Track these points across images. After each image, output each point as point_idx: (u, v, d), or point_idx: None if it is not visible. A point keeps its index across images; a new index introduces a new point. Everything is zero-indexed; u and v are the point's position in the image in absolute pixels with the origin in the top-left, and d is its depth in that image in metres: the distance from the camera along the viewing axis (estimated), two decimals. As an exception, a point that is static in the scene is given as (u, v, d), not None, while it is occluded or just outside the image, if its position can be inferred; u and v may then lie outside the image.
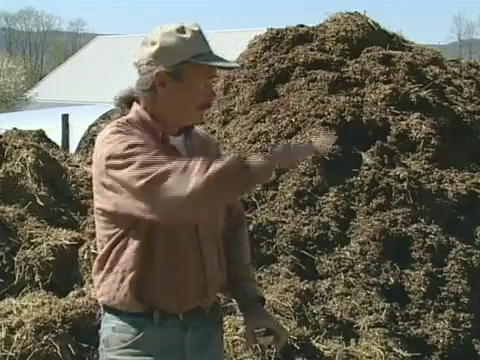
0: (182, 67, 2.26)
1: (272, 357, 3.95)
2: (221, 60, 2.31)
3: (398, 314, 4.61)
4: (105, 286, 2.28)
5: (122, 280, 2.23)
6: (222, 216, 2.45)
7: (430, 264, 4.87)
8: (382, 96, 5.92)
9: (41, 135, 5.92)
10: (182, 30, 2.28)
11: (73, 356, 3.83)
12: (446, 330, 4.55)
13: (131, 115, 2.32)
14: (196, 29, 2.30)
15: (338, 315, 4.47)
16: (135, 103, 2.34)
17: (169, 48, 2.26)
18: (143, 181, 2.07)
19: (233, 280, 2.46)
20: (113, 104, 2.42)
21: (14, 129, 5.81)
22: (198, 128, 2.55)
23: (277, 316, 4.19)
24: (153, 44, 2.27)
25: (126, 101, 2.36)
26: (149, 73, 2.26)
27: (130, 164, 2.11)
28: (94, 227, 4.73)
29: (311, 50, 6.40)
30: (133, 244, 2.22)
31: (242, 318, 2.47)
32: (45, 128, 6.23)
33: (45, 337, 3.80)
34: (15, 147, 5.34)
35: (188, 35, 2.28)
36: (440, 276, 4.85)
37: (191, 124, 2.40)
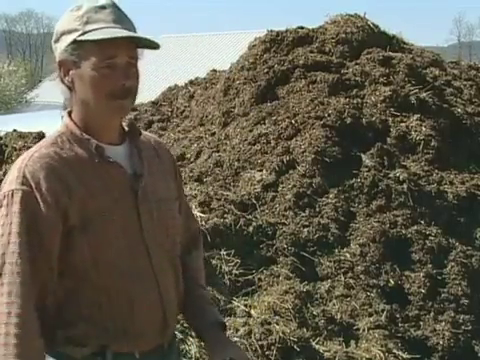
0: (75, 49, 1.93)
1: (272, 359, 3.95)
2: (118, 32, 1.91)
3: (398, 316, 4.60)
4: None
5: None
6: (179, 237, 2.18)
7: (430, 266, 4.87)
8: (382, 98, 5.93)
9: (41, 137, 5.92)
10: (78, 8, 1.97)
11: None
12: (446, 332, 4.55)
13: (61, 129, 2.01)
14: (98, 4, 1.96)
15: (338, 317, 4.47)
16: (68, 113, 2.03)
17: (62, 32, 1.97)
18: None
19: (191, 303, 2.21)
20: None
21: (14, 131, 5.82)
22: (148, 133, 2.26)
23: (277, 318, 4.19)
24: (55, 32, 1.99)
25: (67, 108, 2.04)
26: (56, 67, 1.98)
27: None
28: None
29: (311, 52, 6.41)
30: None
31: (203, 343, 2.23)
32: (45, 130, 6.23)
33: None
34: (15, 149, 5.35)
35: (81, 11, 1.95)
36: (440, 278, 4.84)
37: (117, 124, 2.05)
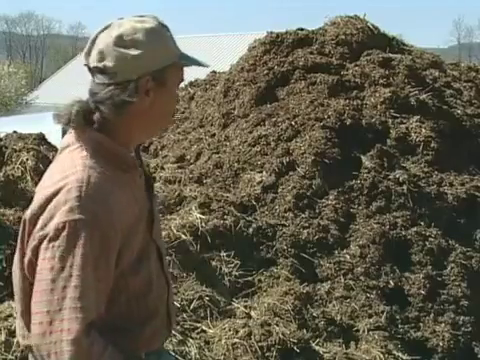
0: (167, 70, 1.97)
1: (272, 360, 3.95)
2: (196, 61, 2.04)
3: (398, 317, 4.61)
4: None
5: None
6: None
7: (430, 267, 4.87)
8: (382, 99, 5.93)
9: (41, 138, 5.93)
10: (165, 27, 2.01)
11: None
12: (446, 333, 4.55)
13: (93, 146, 1.92)
14: (162, 22, 2.02)
15: (338, 318, 4.47)
16: (90, 126, 1.95)
17: (156, 50, 1.95)
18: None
19: None
20: (58, 122, 1.96)
21: (14, 132, 5.82)
22: None
23: (277, 319, 4.20)
24: (134, 45, 1.92)
25: (87, 118, 1.94)
26: (129, 82, 1.91)
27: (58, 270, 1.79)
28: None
29: (311, 53, 6.42)
30: None
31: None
32: (45, 131, 6.23)
33: (45, 340, 3.79)
34: (15, 150, 5.35)
35: (170, 33, 2.01)
36: (440, 279, 4.84)
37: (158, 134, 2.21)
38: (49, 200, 1.84)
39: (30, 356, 2.02)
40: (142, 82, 1.93)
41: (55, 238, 1.80)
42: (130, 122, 1.96)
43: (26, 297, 1.94)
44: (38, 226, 1.84)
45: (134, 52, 1.91)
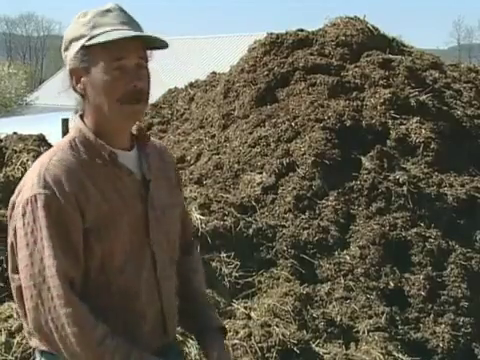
0: (84, 55, 1.92)
1: (272, 361, 3.95)
2: (124, 33, 1.90)
3: (398, 318, 4.61)
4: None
5: None
6: (178, 242, 2.20)
7: (430, 268, 4.87)
8: (382, 100, 5.93)
9: (41, 139, 5.92)
10: (84, 14, 1.96)
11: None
12: (446, 334, 4.55)
13: (74, 133, 2.00)
14: (103, 8, 1.96)
15: (338, 319, 4.47)
16: (79, 117, 2.02)
17: (70, 39, 1.95)
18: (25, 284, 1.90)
19: (192, 307, 2.23)
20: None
21: (14, 133, 5.82)
22: (155, 140, 2.26)
23: (277, 320, 4.20)
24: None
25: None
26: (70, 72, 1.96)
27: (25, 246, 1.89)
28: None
29: (311, 54, 6.42)
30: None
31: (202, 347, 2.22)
32: (45, 132, 6.22)
33: (45, 341, 3.79)
34: (15, 151, 5.35)
35: (87, 17, 1.94)
36: (440, 280, 4.85)
37: (130, 129, 2.05)
38: (21, 184, 1.98)
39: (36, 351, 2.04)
40: (70, 74, 1.96)
41: (23, 214, 1.90)
42: (90, 115, 1.99)
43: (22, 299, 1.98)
44: (14, 209, 1.96)
45: (63, 46, 1.99)
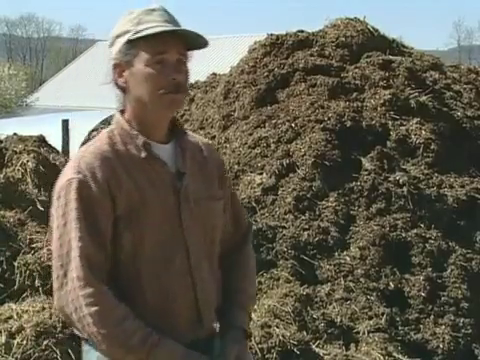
0: (128, 49, 2.04)
1: (272, 362, 3.95)
2: (166, 28, 2.01)
3: (398, 319, 4.61)
4: None
5: None
6: (220, 236, 2.21)
7: (430, 269, 4.87)
8: (382, 101, 5.93)
9: (41, 140, 5.93)
10: (130, 12, 2.09)
11: (73, 361, 3.83)
12: (446, 335, 4.55)
13: (113, 126, 2.12)
14: (149, 7, 2.08)
15: (338, 320, 4.47)
16: (120, 112, 2.14)
17: (116, 35, 2.07)
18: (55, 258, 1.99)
19: (223, 303, 2.21)
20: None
21: (14, 134, 5.82)
22: (196, 135, 2.34)
23: (277, 321, 4.20)
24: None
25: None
26: (114, 66, 2.08)
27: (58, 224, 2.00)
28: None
29: (311, 55, 6.42)
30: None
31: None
32: (45, 133, 6.23)
33: (45, 342, 3.79)
34: (16, 152, 5.35)
35: (133, 15, 2.07)
36: (440, 281, 4.85)
37: (172, 125, 2.14)
38: (62, 172, 2.09)
39: (83, 343, 2.09)
40: (114, 69, 2.07)
41: (58, 198, 2.01)
42: (130, 108, 2.09)
43: None
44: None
45: (109, 42, 2.10)
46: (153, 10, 2.06)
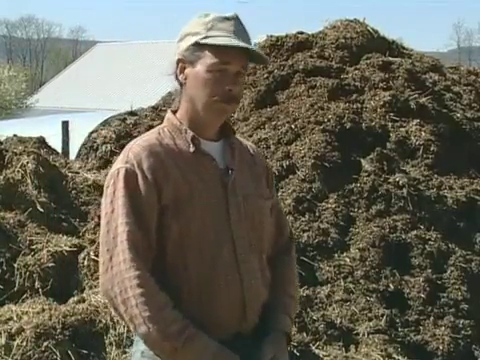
0: (195, 50, 2.11)
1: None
2: (236, 42, 2.08)
3: (398, 320, 4.61)
4: None
5: None
6: (267, 235, 2.25)
7: (430, 270, 4.87)
8: (381, 103, 5.94)
9: (41, 142, 5.94)
10: (205, 15, 2.16)
11: (73, 362, 3.83)
12: (446, 336, 4.55)
13: (164, 123, 2.21)
14: (224, 15, 2.15)
15: (338, 321, 4.47)
16: (171, 112, 2.23)
17: (187, 33, 2.15)
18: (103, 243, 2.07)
19: (267, 305, 2.21)
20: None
21: (14, 136, 5.83)
22: (248, 141, 2.40)
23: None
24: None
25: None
26: (177, 63, 2.16)
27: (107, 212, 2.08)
28: (94, 233, 4.72)
29: (311, 57, 6.43)
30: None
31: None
32: (45, 135, 6.25)
33: (45, 343, 3.80)
34: (16, 154, 5.36)
35: (208, 18, 2.14)
36: (440, 282, 4.85)
37: (221, 124, 2.20)
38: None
39: (135, 340, 2.14)
40: (177, 64, 2.15)
41: (107, 186, 2.10)
42: (184, 104, 2.17)
43: None
44: None
45: (178, 37, 2.18)
46: (227, 18, 2.13)
